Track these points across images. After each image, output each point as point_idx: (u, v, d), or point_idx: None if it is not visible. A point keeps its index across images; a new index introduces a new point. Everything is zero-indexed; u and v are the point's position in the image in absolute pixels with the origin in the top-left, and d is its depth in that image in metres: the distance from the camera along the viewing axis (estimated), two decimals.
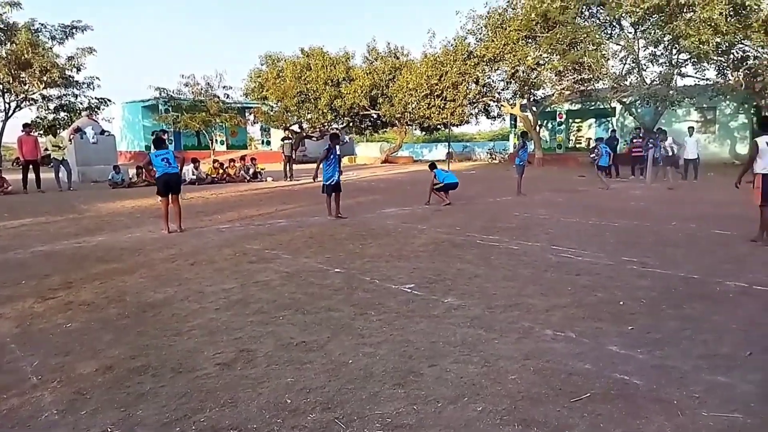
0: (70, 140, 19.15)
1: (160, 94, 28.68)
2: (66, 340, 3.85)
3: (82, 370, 3.34)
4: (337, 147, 10.16)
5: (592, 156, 18.18)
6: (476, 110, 31.76)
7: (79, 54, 29.84)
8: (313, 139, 36.99)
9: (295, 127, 35.28)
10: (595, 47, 22.71)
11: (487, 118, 33.34)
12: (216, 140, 33.18)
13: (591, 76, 24.02)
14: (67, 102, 30.98)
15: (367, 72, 32.71)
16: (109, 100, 32.64)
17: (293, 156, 21.69)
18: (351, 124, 36.82)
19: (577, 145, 33.14)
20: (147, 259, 6.59)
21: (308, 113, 33.51)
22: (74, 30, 29.63)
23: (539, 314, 4.32)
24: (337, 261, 6.33)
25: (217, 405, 2.86)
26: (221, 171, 20.02)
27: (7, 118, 29.75)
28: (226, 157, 24.62)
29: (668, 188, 14.63)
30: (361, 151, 42.87)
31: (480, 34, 27.08)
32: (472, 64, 27.04)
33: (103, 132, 21.15)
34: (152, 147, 9.09)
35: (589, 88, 25.54)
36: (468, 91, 28.18)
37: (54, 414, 2.79)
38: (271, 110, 33.86)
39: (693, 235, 7.70)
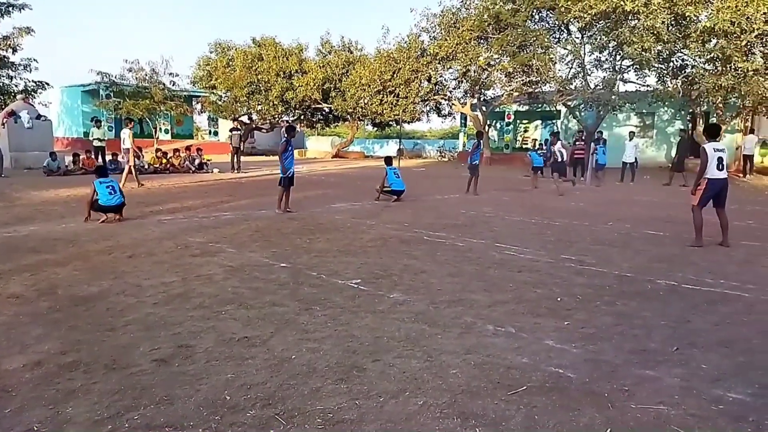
0: (3, 124, 18.11)
1: (102, 78, 27.52)
2: None
3: (7, 366, 3.17)
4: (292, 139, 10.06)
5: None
6: (428, 108, 32.04)
7: (16, 34, 28.19)
8: (263, 131, 36.41)
9: (245, 118, 34.60)
10: (543, 50, 23.35)
11: (438, 116, 33.73)
12: (160, 129, 32.13)
13: (539, 78, 24.67)
14: (1, 84, 29.23)
15: (321, 65, 32.41)
16: (47, 84, 31.01)
17: (241, 147, 21.28)
18: (302, 117, 36.42)
19: (524, 146, 34.01)
20: (82, 250, 6.32)
21: (258, 104, 32.90)
22: (11, 8, 27.98)
23: (482, 310, 4.41)
24: (283, 255, 6.25)
25: (152, 402, 2.78)
26: (165, 161, 19.39)
27: None
28: (170, 146, 23.88)
29: (559, 195, 13.45)
30: (312, 145, 42.52)
31: (433, 32, 27.33)
32: (425, 61, 27.27)
33: (39, 117, 20.12)
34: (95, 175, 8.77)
35: (536, 90, 26.22)
36: (420, 89, 28.40)
37: None
38: (220, 100, 33.08)
39: (627, 235, 8.04)
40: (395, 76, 27.96)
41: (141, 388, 2.93)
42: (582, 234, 8.09)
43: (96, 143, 19.32)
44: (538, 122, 35.10)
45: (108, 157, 18.93)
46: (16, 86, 29.39)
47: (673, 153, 25.36)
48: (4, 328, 3.79)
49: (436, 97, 30.07)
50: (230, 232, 7.74)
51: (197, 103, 35.18)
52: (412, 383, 3.07)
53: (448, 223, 8.82)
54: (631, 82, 24.19)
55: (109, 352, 3.41)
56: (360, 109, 30.61)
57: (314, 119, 37.72)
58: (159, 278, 5.16)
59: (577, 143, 20.67)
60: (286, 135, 10.04)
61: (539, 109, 31.42)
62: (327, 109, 34.58)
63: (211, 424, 2.60)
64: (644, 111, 26.58)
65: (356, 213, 9.92)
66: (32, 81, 30.17)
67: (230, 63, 32.20)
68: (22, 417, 2.61)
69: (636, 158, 18.19)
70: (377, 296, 4.72)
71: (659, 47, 19.89)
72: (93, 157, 18.50)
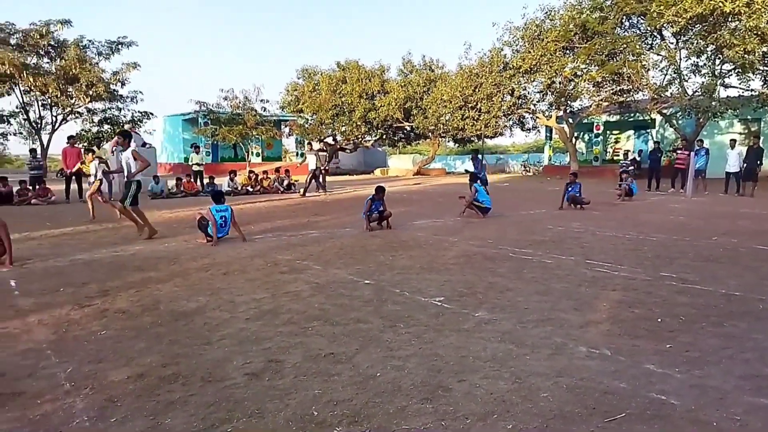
0: (112, 152, 19.76)
1: (200, 107, 29.43)
2: (100, 348, 3.93)
3: (114, 378, 3.39)
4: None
5: (621, 169, 17.85)
6: (511, 122, 31.52)
7: (124, 69, 30.91)
8: (347, 151, 37.32)
9: (329, 140, 35.66)
10: (635, 58, 22.32)
11: (522, 130, 33.05)
12: (252, 152, 33.80)
13: (630, 87, 23.60)
14: (111, 115, 32.10)
15: (402, 85, 32.90)
16: (151, 114, 33.66)
17: (326, 168, 21.89)
18: (384, 136, 37.01)
19: (615, 158, 32.50)
20: (182, 268, 6.71)
21: (342, 126, 33.87)
22: (120, 46, 30.77)
23: (573, 330, 4.21)
24: (367, 272, 6.32)
25: (244, 415, 2.87)
26: (255, 182, 20.34)
27: (53, 130, 31.01)
28: (261, 168, 25.03)
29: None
30: (394, 163, 43.02)
31: (516, 45, 26.94)
32: (508, 75, 26.88)
33: (144, 144, 21.74)
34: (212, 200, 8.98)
35: (628, 100, 25.07)
36: (502, 103, 28.00)
37: (85, 421, 2.83)
38: (307, 123, 34.36)
39: (735, 251, 7.41)
40: (477, 91, 27.77)
41: (234, 401, 3.04)
42: (683, 250, 7.55)
43: (195, 168, 20.64)
44: (631, 132, 33.46)
45: (205, 180, 20.14)
46: (124, 117, 32.14)
47: None
48: (111, 341, 4.08)
49: (519, 110, 29.52)
50: (316, 249, 7.94)
51: (285, 126, 36.78)
52: (500, 406, 2.96)
53: (535, 240, 8.55)
54: (733, 87, 22.52)
55: (205, 365, 3.58)
56: (441, 126, 30.65)
57: (396, 138, 38.22)
58: (251, 294, 5.37)
59: (677, 152, 19.49)
60: (375, 195, 9.98)
61: (631, 119, 29.98)
62: (408, 128, 34.95)
63: None
64: (749, 117, 24.63)
65: (438, 230, 9.87)
66: (138, 111, 32.87)
67: (316, 87, 33.43)
68: (125, 427, 2.77)
69: (741, 168, 16.82)
70: (461, 314, 4.64)
71: (765, 48, 18.41)
72: (192, 180, 19.76)
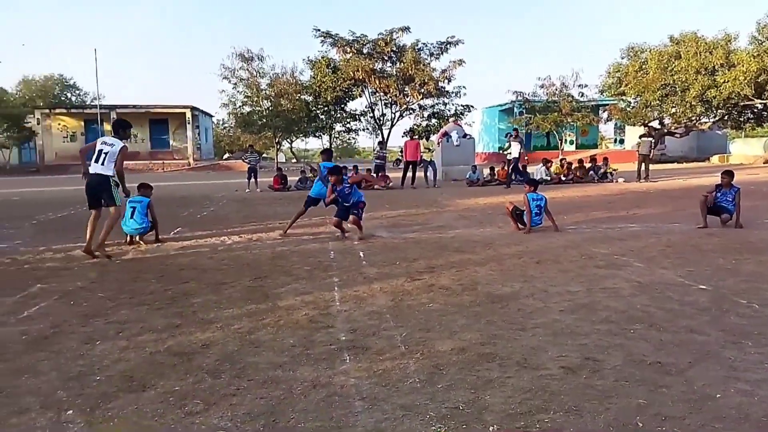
0: (438, 143, 21.82)
1: (516, 97, 30.00)
2: (428, 318, 4.37)
3: (440, 348, 3.73)
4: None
5: None
6: None
7: (451, 66, 33.58)
8: (676, 136, 33.15)
9: (655, 123, 32.20)
10: None
11: None
12: (565, 140, 32.97)
13: None
14: (438, 110, 35.35)
15: (755, 54, 27.42)
16: (472, 107, 35.82)
17: (650, 155, 19.81)
18: (726, 117, 31.57)
19: None
20: (496, 253, 6.98)
21: (672, 107, 30.14)
22: (448, 45, 33.56)
23: None
24: (701, 276, 5.50)
25: (561, 409, 2.81)
26: (568, 171, 19.73)
27: (392, 125, 35.83)
28: (574, 156, 24.20)
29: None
30: (737, 149, 36.21)
31: None
32: None
33: (464, 135, 23.29)
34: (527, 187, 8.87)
35: None
36: None
37: (416, 382, 3.18)
38: (629, 106, 31.71)
39: None
40: None
41: (550, 392, 3.00)
42: None
43: (509, 156, 21.20)
44: None
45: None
46: (449, 111, 35.02)
47: None
48: (437, 314, 4.49)
49: None
50: (637, 245, 7.28)
51: (603, 111, 34.67)
52: None
53: None
54: None
55: (520, 350, 3.64)
56: None
57: (742, 119, 32.26)
58: (564, 286, 5.25)
59: None
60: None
61: None
62: (760, 106, 29.02)
63: None
64: None
65: None
66: (461, 105, 35.38)
67: (642, 66, 30.48)
68: (450, 395, 3.01)
69: None
70: None
71: None
72: (506, 168, 20.35)
